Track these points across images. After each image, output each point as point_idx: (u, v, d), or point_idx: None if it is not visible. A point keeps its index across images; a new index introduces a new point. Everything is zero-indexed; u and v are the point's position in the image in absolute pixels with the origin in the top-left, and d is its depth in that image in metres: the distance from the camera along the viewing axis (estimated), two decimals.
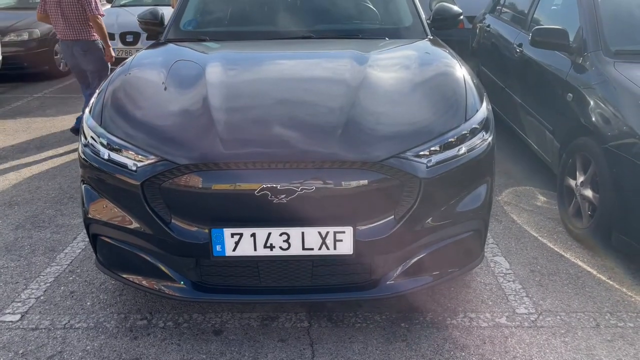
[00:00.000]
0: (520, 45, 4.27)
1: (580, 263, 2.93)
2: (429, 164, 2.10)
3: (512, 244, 3.15)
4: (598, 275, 2.81)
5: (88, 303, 2.61)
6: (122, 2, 8.14)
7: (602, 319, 2.46)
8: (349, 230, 2.06)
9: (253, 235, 2.06)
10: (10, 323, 2.47)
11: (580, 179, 3.12)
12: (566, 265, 2.91)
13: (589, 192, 3.03)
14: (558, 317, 2.47)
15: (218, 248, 2.09)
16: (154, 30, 3.58)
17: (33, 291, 2.72)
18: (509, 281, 2.76)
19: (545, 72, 3.72)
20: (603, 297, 2.62)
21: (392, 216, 2.11)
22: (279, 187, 2.01)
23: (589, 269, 2.87)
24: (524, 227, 3.35)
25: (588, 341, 2.32)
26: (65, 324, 2.46)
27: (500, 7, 5.28)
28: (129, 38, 7.45)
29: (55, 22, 4.70)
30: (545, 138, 3.67)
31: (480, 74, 5.38)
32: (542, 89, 3.75)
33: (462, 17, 3.53)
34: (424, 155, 2.11)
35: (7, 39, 7.52)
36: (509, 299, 2.61)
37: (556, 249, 3.08)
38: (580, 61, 3.31)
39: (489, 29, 5.27)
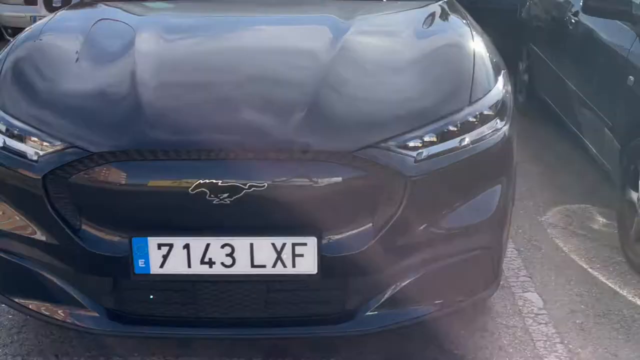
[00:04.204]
0: (576, 14, 4.48)
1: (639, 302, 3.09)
2: (418, 158, 2.27)
3: (552, 277, 3.31)
4: None
5: None
6: None
7: None
8: (311, 241, 2.23)
9: (186, 246, 2.23)
10: None
11: None
12: (620, 304, 3.06)
13: None
14: None
15: (141, 263, 2.26)
16: None
17: None
18: (539, 323, 2.91)
19: (604, 48, 3.92)
20: None
21: (370, 224, 2.29)
22: (220, 183, 2.17)
23: None
24: (570, 255, 3.51)
25: None
26: None
27: None
28: (57, 3, 7.74)
29: None
30: (603, 137, 3.85)
31: (531, 54, 5.60)
32: (599, 71, 3.95)
33: None
34: (412, 147, 2.29)
35: None
36: (536, 346, 2.75)
37: (610, 284, 3.23)
38: None
39: None
